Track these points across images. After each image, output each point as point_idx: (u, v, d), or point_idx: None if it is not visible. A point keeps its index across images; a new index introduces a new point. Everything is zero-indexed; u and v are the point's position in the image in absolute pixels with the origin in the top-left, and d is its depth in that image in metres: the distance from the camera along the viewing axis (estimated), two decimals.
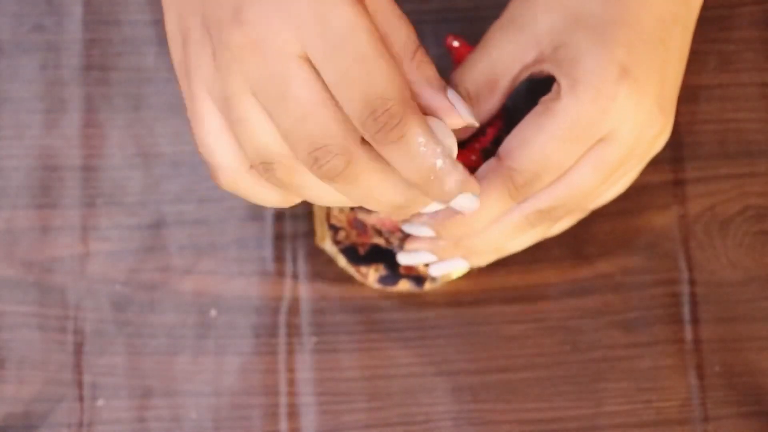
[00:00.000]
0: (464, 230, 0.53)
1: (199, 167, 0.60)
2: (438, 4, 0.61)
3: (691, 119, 0.61)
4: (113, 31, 0.61)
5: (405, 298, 0.59)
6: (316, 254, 0.60)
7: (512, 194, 0.51)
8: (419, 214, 0.54)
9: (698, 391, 0.59)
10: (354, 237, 0.58)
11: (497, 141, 0.54)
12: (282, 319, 0.59)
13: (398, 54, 0.45)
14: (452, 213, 0.52)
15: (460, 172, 0.45)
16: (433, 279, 0.58)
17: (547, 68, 0.51)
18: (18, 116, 0.61)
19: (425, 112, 0.45)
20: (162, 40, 0.61)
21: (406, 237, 0.57)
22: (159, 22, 0.61)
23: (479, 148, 0.54)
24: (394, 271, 0.58)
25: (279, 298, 0.59)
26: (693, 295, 0.60)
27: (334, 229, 0.58)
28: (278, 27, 0.43)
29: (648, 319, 0.59)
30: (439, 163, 0.44)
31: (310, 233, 0.60)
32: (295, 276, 0.60)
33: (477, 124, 0.47)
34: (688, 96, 0.61)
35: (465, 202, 0.46)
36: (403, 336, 0.59)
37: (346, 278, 0.60)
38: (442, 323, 0.59)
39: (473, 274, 0.59)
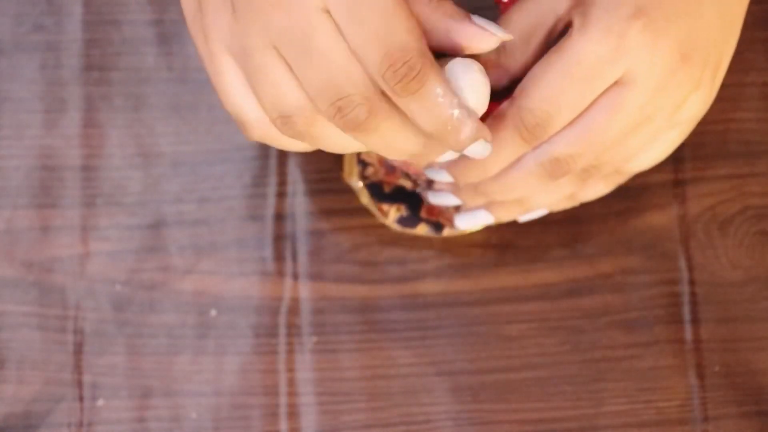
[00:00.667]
0: (477, 173, 0.53)
1: (199, 167, 0.61)
2: None
3: None
4: (113, 31, 0.61)
5: (405, 298, 0.59)
6: (316, 254, 0.60)
7: (523, 135, 0.50)
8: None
9: (698, 391, 0.59)
10: (382, 175, 0.58)
11: None
12: (282, 319, 0.59)
13: (416, 1, 0.45)
14: (466, 156, 0.52)
15: (474, 120, 0.46)
16: (452, 227, 0.58)
17: (572, 14, 0.50)
18: (18, 116, 0.61)
19: (456, 48, 0.46)
20: (162, 40, 0.61)
21: (432, 180, 0.57)
22: (159, 22, 0.61)
23: None
24: (415, 214, 0.58)
25: (279, 298, 0.59)
26: (693, 295, 0.60)
27: (363, 164, 0.58)
28: None
29: (648, 319, 0.59)
30: (456, 113, 0.45)
31: (311, 233, 0.60)
32: (295, 276, 0.60)
33: (511, 37, 0.47)
34: None
35: (477, 148, 0.47)
36: (403, 336, 0.59)
37: (346, 278, 0.60)
38: (442, 323, 0.59)
39: (473, 273, 0.59)
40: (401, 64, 0.44)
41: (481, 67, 0.47)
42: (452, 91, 0.45)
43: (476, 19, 0.47)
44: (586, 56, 0.48)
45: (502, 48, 0.52)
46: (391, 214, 0.58)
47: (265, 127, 0.48)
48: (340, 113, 0.45)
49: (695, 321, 0.60)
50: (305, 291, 0.60)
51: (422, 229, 0.58)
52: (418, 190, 0.58)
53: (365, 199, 0.59)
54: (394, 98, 0.45)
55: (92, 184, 0.60)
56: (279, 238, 0.60)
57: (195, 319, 0.59)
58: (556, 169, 0.51)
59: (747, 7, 0.52)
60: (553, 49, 0.49)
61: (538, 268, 0.60)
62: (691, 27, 0.49)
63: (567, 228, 0.60)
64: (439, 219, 0.58)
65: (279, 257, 0.60)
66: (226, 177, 0.60)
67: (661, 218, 0.60)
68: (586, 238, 0.60)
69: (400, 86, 0.44)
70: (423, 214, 0.58)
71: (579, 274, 0.60)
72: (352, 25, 0.44)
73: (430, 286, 0.59)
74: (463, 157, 0.52)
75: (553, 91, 0.49)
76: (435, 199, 0.57)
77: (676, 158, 0.60)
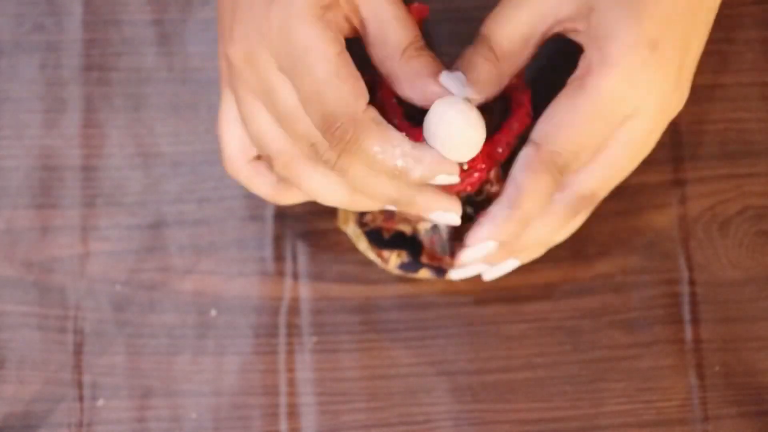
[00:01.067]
0: (521, 225, 0.52)
1: (199, 167, 0.60)
2: (440, 5, 0.60)
3: (691, 119, 0.61)
4: (113, 31, 0.61)
5: (405, 298, 0.59)
6: (316, 254, 0.60)
7: (556, 178, 0.51)
8: (478, 233, 0.53)
9: (698, 391, 0.59)
10: (380, 221, 0.58)
11: (524, 136, 0.53)
12: (282, 319, 0.59)
13: (390, 54, 0.48)
14: (506, 212, 0.52)
15: (426, 162, 0.48)
16: (454, 268, 0.57)
17: (579, 39, 0.50)
18: (18, 116, 0.61)
19: (426, 101, 0.48)
20: (161, 40, 0.61)
21: (433, 225, 0.57)
22: (159, 22, 0.61)
23: (506, 141, 0.52)
24: (416, 259, 0.58)
25: (279, 298, 0.59)
26: (693, 295, 0.60)
27: (362, 211, 0.58)
28: (257, 44, 0.47)
29: (648, 319, 0.59)
30: (400, 163, 0.47)
31: (311, 233, 0.60)
32: (295, 276, 0.60)
33: (476, 97, 0.48)
34: (689, 96, 0.61)
35: (443, 178, 0.48)
36: (403, 336, 0.59)
37: (346, 278, 0.60)
38: (442, 323, 0.59)
39: None
40: (335, 129, 0.46)
41: (468, 103, 0.47)
42: (393, 143, 0.47)
43: (446, 76, 0.48)
44: (610, 96, 0.49)
45: (498, 53, 0.51)
46: (392, 261, 0.58)
47: (235, 165, 0.53)
48: (318, 155, 0.48)
49: (695, 321, 0.60)
50: (305, 291, 0.60)
51: (424, 274, 0.58)
52: (422, 235, 0.57)
53: (363, 245, 0.58)
54: (340, 156, 0.48)
55: (92, 184, 0.60)
56: (279, 238, 0.60)
57: (195, 319, 0.59)
58: (581, 207, 0.53)
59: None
60: (573, 89, 0.49)
61: (538, 268, 0.60)
62: (688, 48, 0.50)
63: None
64: (441, 264, 0.57)
65: (279, 257, 0.60)
66: (225, 177, 0.60)
67: (661, 218, 0.60)
68: (586, 238, 0.60)
69: (338, 148, 0.47)
70: (424, 259, 0.57)
71: (579, 274, 0.60)
72: (296, 87, 0.47)
73: (430, 286, 0.59)
74: (503, 215, 0.52)
75: (581, 132, 0.49)
76: (458, 274, 0.56)
77: (676, 158, 0.60)
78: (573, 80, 0.50)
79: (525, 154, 0.51)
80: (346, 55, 0.47)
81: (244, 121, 0.50)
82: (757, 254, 0.60)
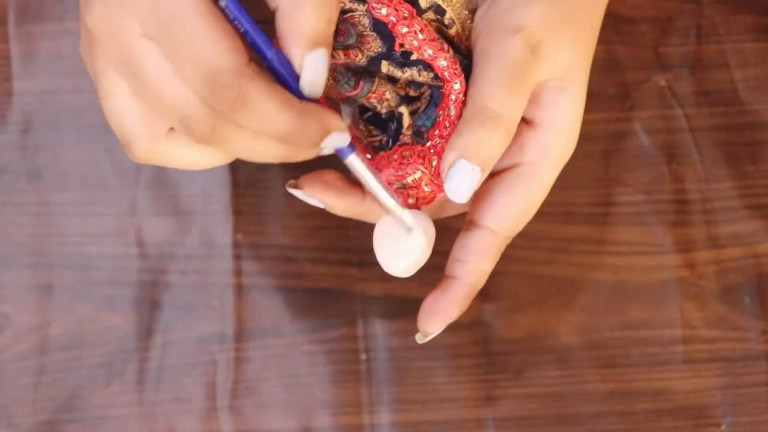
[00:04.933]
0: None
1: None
2: None
3: (691, 119, 0.61)
4: None
5: (406, 298, 0.60)
6: (317, 253, 0.60)
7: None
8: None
9: (697, 390, 0.59)
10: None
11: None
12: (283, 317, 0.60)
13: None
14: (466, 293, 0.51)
15: (321, 117, 0.44)
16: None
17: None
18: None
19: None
20: None
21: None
22: None
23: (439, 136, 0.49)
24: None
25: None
26: (693, 295, 0.60)
27: None
28: (118, 10, 0.43)
29: (647, 318, 0.59)
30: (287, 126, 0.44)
31: (311, 232, 0.60)
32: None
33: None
34: (689, 96, 0.61)
35: (333, 142, 0.46)
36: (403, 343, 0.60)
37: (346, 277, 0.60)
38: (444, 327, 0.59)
39: None
40: (219, 86, 0.43)
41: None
42: (282, 92, 0.44)
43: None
44: (553, 180, 0.50)
45: None
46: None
47: (150, 144, 0.47)
48: (188, 130, 0.44)
49: (695, 320, 0.59)
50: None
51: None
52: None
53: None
54: (230, 117, 0.44)
55: (91, 184, 0.61)
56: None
57: (196, 318, 0.60)
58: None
59: None
60: (525, 178, 0.49)
61: (537, 270, 0.60)
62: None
63: (561, 229, 0.60)
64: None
65: (279, 257, 0.60)
66: (224, 177, 0.61)
67: (661, 218, 0.60)
68: (586, 237, 0.60)
69: (225, 107, 0.43)
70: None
71: (579, 274, 0.60)
72: (169, 51, 0.43)
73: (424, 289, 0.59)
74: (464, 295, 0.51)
75: (531, 213, 0.50)
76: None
77: (676, 158, 0.60)
78: (520, 170, 0.50)
79: (479, 240, 0.50)
80: (217, 10, 0.43)
81: (102, 99, 0.46)
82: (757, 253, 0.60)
